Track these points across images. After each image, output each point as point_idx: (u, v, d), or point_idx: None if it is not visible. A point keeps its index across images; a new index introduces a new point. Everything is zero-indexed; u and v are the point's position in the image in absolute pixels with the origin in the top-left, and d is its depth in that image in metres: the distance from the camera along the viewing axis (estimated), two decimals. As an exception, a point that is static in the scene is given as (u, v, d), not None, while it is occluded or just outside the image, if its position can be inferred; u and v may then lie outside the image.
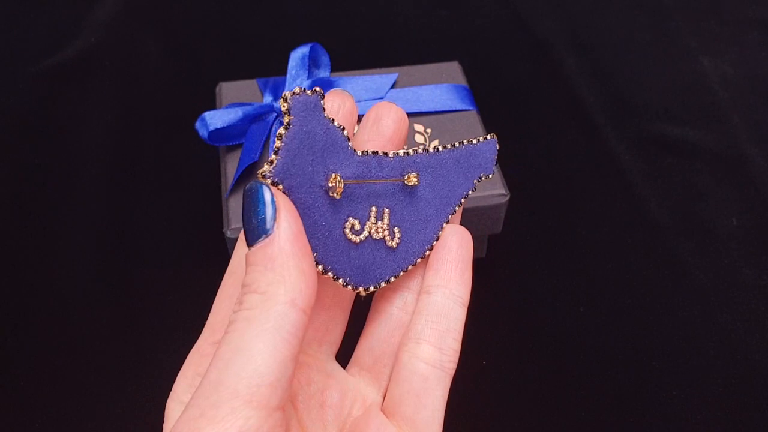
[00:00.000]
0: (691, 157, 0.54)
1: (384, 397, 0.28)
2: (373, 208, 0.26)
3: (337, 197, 0.25)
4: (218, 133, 0.44)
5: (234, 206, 0.41)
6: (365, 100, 0.46)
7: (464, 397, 0.41)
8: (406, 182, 0.27)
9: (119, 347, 0.43)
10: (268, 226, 0.22)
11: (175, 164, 0.53)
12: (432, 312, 0.26)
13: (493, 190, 0.42)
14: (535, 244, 0.49)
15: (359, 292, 0.27)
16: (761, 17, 0.67)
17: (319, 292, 0.27)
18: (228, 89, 0.48)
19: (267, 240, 0.22)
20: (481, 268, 0.47)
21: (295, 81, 0.46)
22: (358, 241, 0.26)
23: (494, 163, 0.29)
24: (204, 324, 0.26)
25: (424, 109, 0.46)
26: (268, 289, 0.22)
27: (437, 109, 0.46)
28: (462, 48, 0.63)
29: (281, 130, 0.24)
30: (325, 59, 0.48)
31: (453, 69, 0.49)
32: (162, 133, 0.56)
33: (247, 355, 0.21)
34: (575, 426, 0.40)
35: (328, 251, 0.25)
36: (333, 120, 0.25)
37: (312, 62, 0.47)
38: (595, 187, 0.52)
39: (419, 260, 0.28)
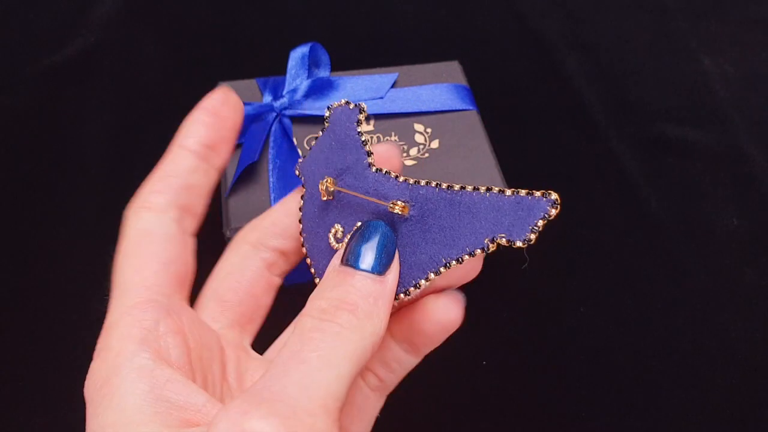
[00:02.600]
0: (692, 157, 0.54)
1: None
2: (359, 223, 0.25)
3: (324, 198, 0.26)
4: (218, 133, 0.44)
5: (233, 206, 0.41)
6: (365, 100, 0.46)
7: (464, 397, 0.41)
8: (389, 208, 0.25)
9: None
10: (384, 267, 0.23)
11: (174, 164, 0.53)
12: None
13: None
14: (536, 244, 0.49)
15: None
16: (762, 17, 0.67)
17: (252, 281, 0.28)
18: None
19: (380, 278, 0.23)
20: (480, 268, 0.47)
21: (295, 81, 0.46)
22: (337, 248, 0.26)
23: (531, 229, 0.23)
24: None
25: (424, 108, 0.46)
26: (365, 319, 0.22)
27: (437, 109, 0.46)
28: (462, 48, 0.63)
29: (319, 133, 0.28)
30: (324, 59, 0.48)
31: (453, 69, 0.49)
32: (162, 133, 0.56)
33: (336, 372, 0.21)
34: (575, 426, 0.40)
35: (314, 245, 0.27)
36: (361, 134, 0.26)
37: (312, 62, 0.47)
38: (595, 187, 0.52)
39: (404, 297, 0.25)
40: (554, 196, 0.22)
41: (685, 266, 0.47)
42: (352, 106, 0.26)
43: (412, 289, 0.24)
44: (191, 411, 0.21)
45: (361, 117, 0.26)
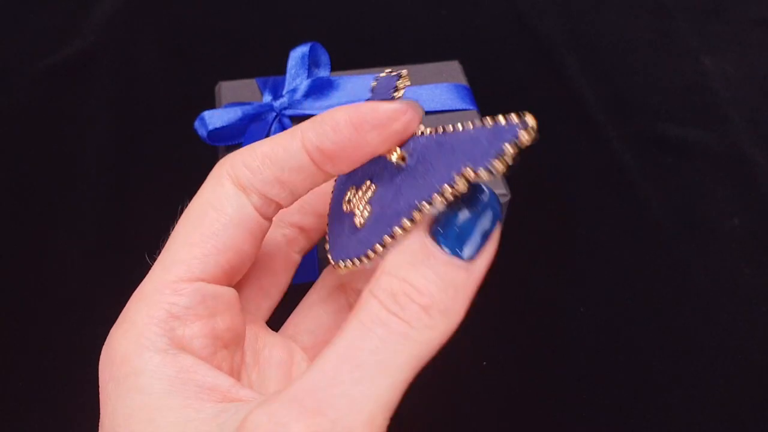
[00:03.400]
0: (692, 157, 0.54)
1: None
2: (368, 182, 0.25)
3: None
4: (217, 133, 0.44)
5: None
6: (365, 100, 0.46)
7: (465, 397, 0.41)
8: (387, 156, 0.23)
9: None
10: (475, 250, 0.20)
11: (174, 164, 0.53)
12: None
13: (494, 189, 0.42)
14: (535, 244, 0.49)
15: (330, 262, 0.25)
16: (762, 17, 0.67)
17: (270, 254, 0.25)
18: (227, 89, 0.48)
19: (466, 265, 0.20)
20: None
21: (295, 80, 0.46)
22: (347, 210, 0.25)
23: (495, 154, 0.19)
24: None
25: (424, 108, 0.46)
26: (438, 318, 0.19)
27: (437, 109, 0.46)
28: (462, 48, 0.63)
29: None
30: (324, 58, 0.47)
31: (453, 68, 0.49)
32: (161, 133, 0.56)
33: (391, 380, 0.19)
34: (575, 426, 0.40)
35: (333, 212, 0.26)
36: (394, 98, 0.25)
37: (312, 61, 0.47)
38: (595, 187, 0.52)
39: (382, 249, 0.22)
40: (530, 121, 0.19)
41: (685, 266, 0.47)
42: (395, 75, 0.25)
43: (388, 238, 0.21)
44: (219, 393, 0.21)
45: (399, 84, 0.25)
